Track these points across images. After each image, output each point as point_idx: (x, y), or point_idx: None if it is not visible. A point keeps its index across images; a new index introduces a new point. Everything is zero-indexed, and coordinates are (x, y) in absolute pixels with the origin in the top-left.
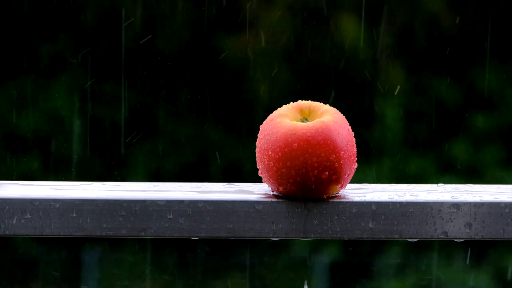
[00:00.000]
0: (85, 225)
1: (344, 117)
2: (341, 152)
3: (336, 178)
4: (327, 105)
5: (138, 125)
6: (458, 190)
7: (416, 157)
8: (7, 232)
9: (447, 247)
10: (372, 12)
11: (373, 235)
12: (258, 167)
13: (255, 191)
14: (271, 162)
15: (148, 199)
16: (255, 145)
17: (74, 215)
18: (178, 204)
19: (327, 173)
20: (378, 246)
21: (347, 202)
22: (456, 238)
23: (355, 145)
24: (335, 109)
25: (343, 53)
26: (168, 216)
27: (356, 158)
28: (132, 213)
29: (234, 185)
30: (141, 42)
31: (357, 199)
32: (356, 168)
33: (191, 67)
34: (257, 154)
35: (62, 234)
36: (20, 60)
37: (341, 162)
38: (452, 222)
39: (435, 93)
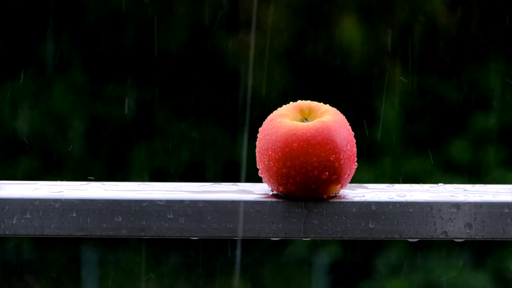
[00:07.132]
0: (85, 225)
1: (344, 117)
2: (341, 152)
3: (336, 178)
4: (327, 105)
5: (138, 125)
6: (458, 190)
7: (416, 156)
8: (7, 232)
9: (447, 247)
10: (372, 11)
11: (373, 235)
12: (258, 167)
13: (255, 191)
14: (271, 162)
15: (148, 199)
16: (255, 145)
17: (74, 215)
18: (178, 204)
19: (327, 173)
20: (378, 246)
21: (347, 202)
22: (456, 238)
23: (355, 145)
24: (335, 109)
25: (343, 52)
26: (168, 216)
27: (356, 158)
28: (132, 213)
29: (234, 185)
30: (141, 42)
31: (357, 199)
32: (356, 168)
33: (191, 67)
34: (257, 154)
35: (62, 234)
36: (20, 60)
37: (341, 162)
38: (452, 222)
39: (435, 92)
